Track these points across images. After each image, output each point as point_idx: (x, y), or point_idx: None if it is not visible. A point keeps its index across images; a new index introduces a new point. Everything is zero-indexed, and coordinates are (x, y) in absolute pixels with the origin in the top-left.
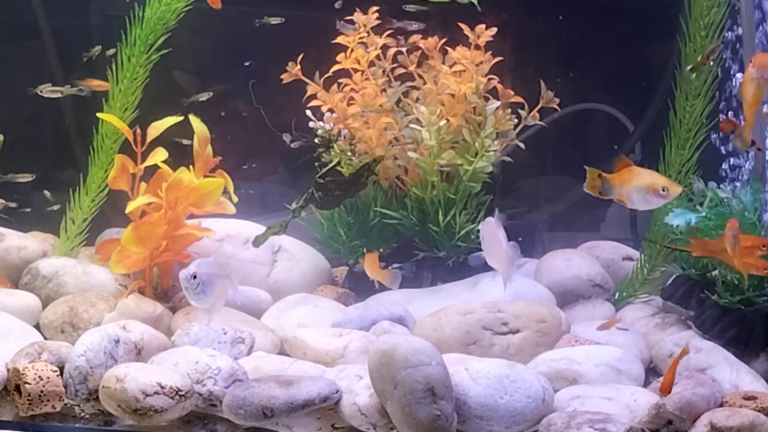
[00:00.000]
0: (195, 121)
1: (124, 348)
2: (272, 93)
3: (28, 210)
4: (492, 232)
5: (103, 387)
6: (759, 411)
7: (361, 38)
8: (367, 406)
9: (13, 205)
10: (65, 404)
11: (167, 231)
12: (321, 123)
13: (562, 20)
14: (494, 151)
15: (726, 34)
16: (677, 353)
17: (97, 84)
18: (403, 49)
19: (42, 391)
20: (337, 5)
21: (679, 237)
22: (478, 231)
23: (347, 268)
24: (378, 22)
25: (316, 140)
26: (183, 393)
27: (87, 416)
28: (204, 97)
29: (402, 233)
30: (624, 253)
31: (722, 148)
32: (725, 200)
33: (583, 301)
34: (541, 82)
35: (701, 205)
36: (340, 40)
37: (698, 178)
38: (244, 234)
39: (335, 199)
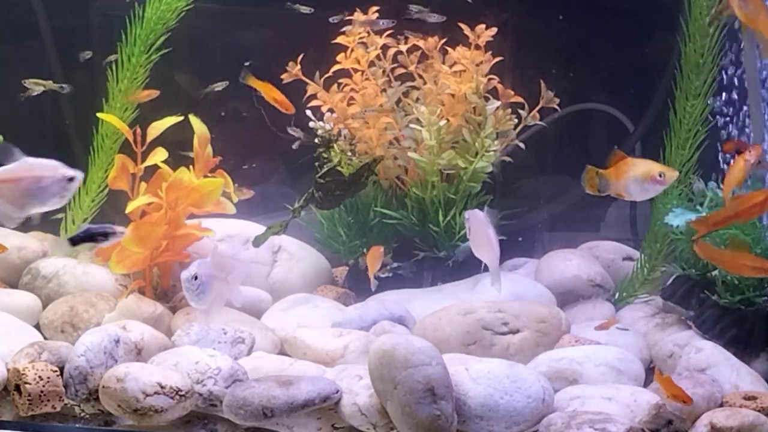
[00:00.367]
0: (195, 121)
1: (124, 348)
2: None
3: None
4: (479, 223)
5: (103, 387)
6: (759, 411)
7: (361, 38)
8: (367, 406)
9: None
10: (65, 404)
11: (167, 231)
12: (321, 123)
13: (562, 20)
14: (494, 151)
15: (725, 34)
16: (677, 353)
17: (146, 94)
18: (403, 50)
19: (42, 391)
20: (332, 20)
21: (679, 237)
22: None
23: (347, 268)
24: (398, 16)
25: (316, 140)
26: (183, 393)
27: (87, 416)
28: (220, 86)
29: (402, 233)
30: (624, 253)
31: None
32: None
33: (583, 301)
34: (541, 82)
35: (701, 205)
36: (340, 40)
37: (698, 178)
38: (244, 234)
39: (335, 199)
